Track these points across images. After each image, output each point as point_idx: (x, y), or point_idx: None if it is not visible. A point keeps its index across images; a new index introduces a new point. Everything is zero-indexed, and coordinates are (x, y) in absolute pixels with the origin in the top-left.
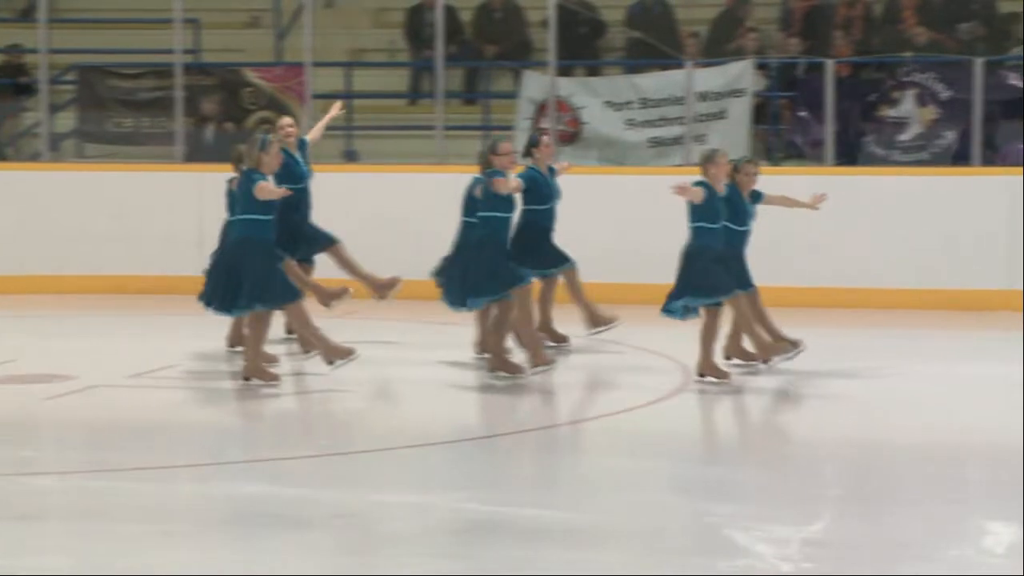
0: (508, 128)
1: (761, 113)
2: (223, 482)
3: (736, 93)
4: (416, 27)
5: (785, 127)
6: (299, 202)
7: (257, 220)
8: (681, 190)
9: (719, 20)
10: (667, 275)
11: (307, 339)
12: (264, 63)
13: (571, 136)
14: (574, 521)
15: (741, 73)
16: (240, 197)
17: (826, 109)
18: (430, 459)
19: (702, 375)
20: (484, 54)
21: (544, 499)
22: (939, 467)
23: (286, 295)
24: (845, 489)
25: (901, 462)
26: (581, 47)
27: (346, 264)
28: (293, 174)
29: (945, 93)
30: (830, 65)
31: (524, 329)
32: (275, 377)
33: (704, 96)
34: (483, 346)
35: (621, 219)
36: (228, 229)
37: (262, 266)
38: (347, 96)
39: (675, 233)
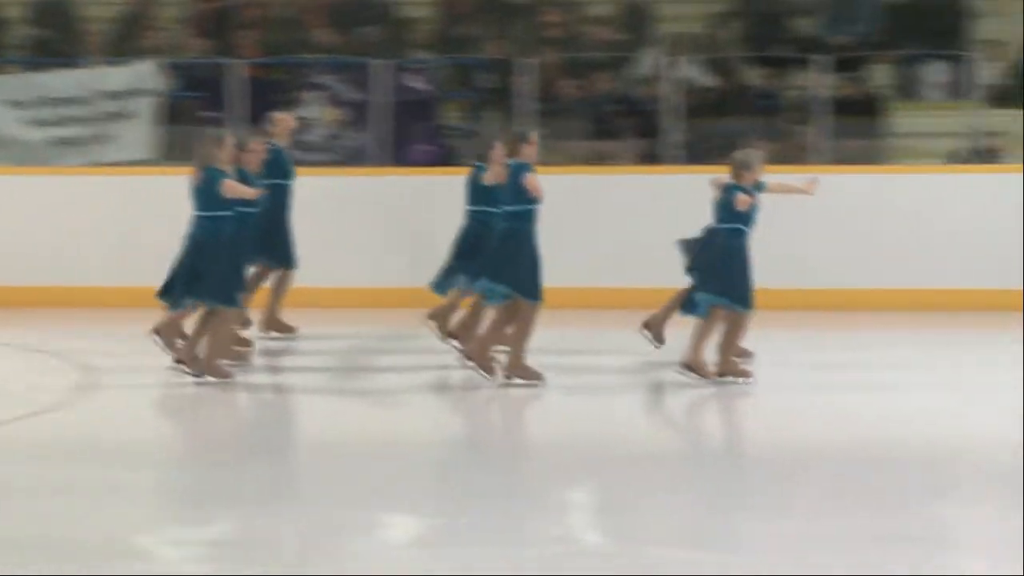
0: None
1: (168, 113)
2: None
3: (141, 92)
4: None
5: (193, 127)
6: (283, 200)
7: (219, 217)
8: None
9: (124, 18)
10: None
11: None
12: None
13: None
14: None
15: (146, 72)
16: (198, 194)
17: (232, 109)
18: None
19: (687, 367)
20: None
21: None
22: (354, 463)
23: (234, 299)
24: (251, 488)
25: (326, 459)
26: None
27: (278, 294)
28: (281, 170)
29: (350, 95)
30: (237, 65)
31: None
32: (229, 375)
33: (109, 95)
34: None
35: (39, 221)
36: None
37: (224, 263)
38: None
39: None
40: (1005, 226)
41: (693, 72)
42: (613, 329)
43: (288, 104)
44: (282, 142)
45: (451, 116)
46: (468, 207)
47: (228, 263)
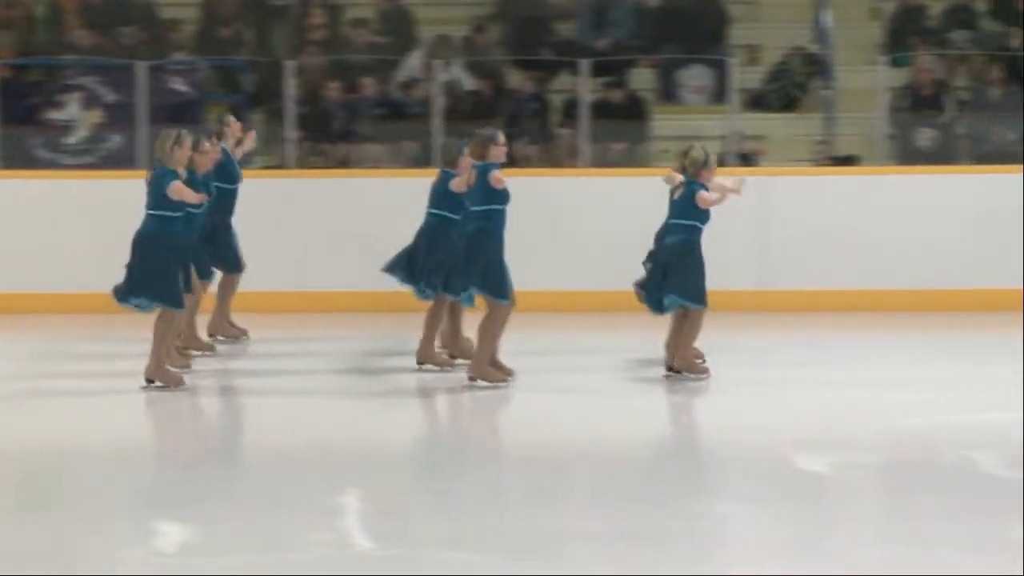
0: None
1: None
2: None
3: None
4: None
5: None
6: (229, 203)
7: (166, 217)
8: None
9: None
10: None
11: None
12: None
13: None
14: None
15: None
16: (150, 191)
17: None
18: None
19: (677, 371)
20: None
21: None
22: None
23: (175, 300)
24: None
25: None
26: None
27: (224, 297)
28: (229, 173)
29: (110, 96)
30: None
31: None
32: (180, 381)
33: None
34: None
35: None
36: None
37: (163, 263)
38: None
39: None
40: (758, 229)
41: (457, 75)
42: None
43: (47, 107)
44: (232, 145)
45: (214, 119)
46: (429, 209)
47: (172, 264)
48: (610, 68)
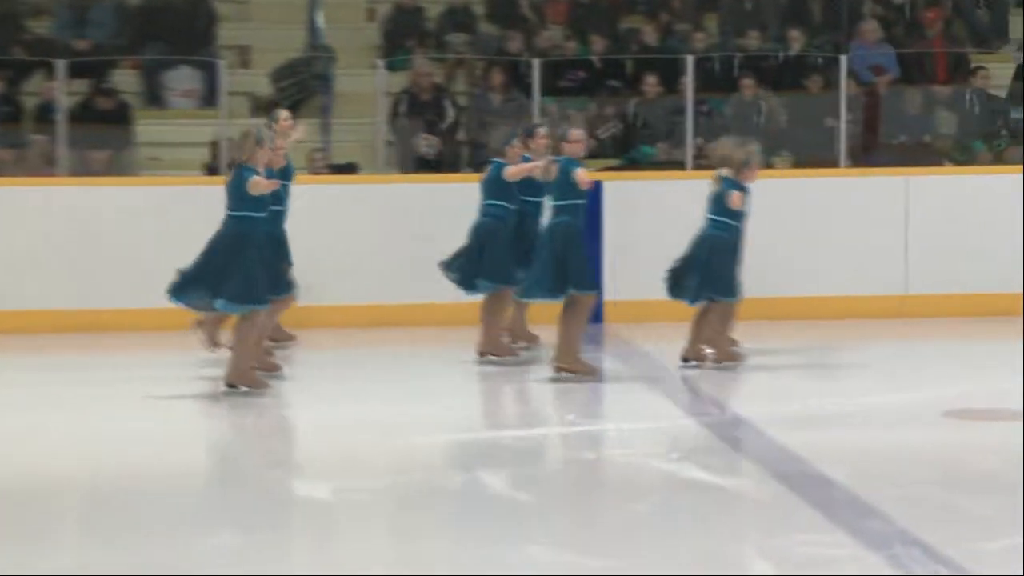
0: None
1: None
2: None
3: None
4: None
5: None
6: (286, 201)
7: (249, 217)
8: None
9: None
10: None
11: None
12: None
13: None
14: None
15: None
16: (231, 192)
17: None
18: None
19: (685, 360)
20: None
21: None
22: None
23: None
24: None
25: None
26: None
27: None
28: (284, 171)
29: None
30: None
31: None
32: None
33: None
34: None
35: None
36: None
37: (248, 263)
38: None
39: None
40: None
41: None
42: None
43: None
44: (283, 142)
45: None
46: (485, 201)
47: (257, 264)
48: (90, 69)
